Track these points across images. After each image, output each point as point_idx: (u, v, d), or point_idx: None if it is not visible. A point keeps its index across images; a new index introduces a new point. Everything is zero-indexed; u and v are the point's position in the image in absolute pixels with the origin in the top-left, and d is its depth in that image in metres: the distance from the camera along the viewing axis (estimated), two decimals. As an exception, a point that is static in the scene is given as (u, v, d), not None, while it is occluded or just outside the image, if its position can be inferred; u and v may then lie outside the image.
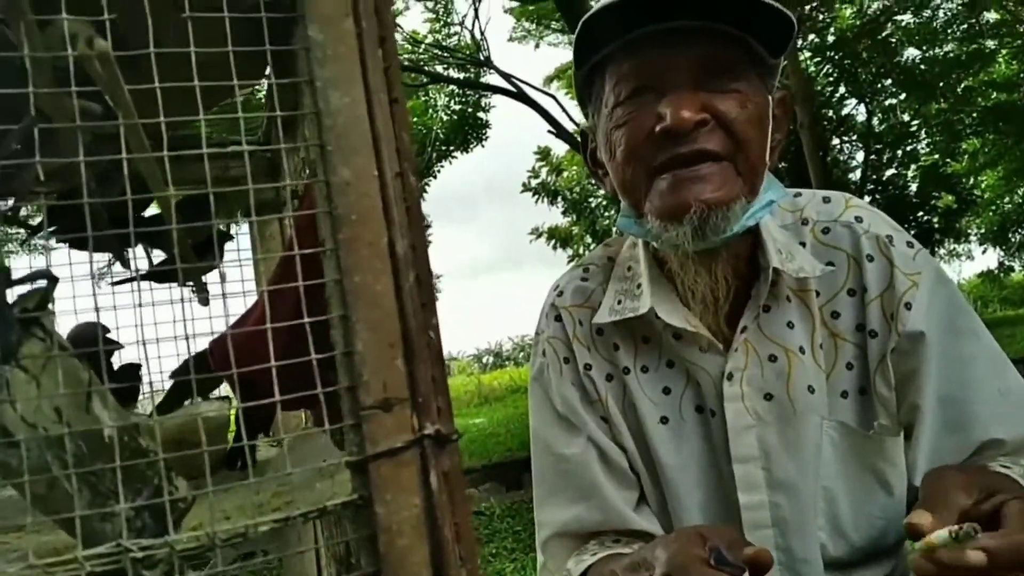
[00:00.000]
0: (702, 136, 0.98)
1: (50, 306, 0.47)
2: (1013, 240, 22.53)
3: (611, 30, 1.01)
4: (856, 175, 17.69)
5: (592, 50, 1.06)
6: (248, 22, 0.51)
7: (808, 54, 15.23)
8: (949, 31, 14.39)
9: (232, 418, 1.05)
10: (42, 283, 0.47)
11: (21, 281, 0.46)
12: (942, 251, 20.98)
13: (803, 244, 1.11)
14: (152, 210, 1.00)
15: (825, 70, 15.65)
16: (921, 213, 18.47)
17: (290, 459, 0.99)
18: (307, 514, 0.46)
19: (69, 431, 0.44)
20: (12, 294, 0.47)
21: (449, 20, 15.22)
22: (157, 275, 1.08)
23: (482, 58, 14.16)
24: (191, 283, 1.03)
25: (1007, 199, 20.37)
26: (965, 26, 14.18)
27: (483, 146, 17.51)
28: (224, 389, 1.21)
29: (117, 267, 1.14)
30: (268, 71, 0.58)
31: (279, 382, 0.53)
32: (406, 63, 14.52)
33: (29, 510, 0.41)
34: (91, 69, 0.48)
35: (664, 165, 1.00)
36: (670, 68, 1.00)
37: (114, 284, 1.05)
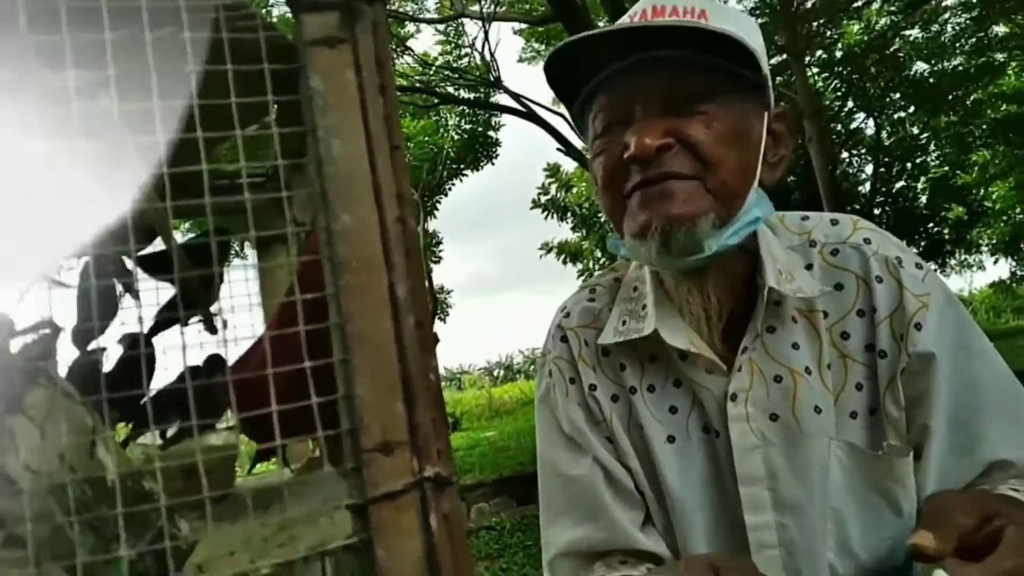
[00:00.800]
0: (668, 160, 1.00)
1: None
2: (1025, 250, 22.40)
3: (585, 68, 1.06)
4: (866, 188, 17.67)
5: (573, 88, 1.10)
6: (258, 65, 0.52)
7: (816, 69, 15.25)
8: (958, 45, 14.38)
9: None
10: (46, 331, 0.48)
11: (25, 331, 0.47)
12: (953, 262, 20.85)
13: (810, 266, 1.11)
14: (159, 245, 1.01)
15: (833, 85, 15.68)
16: (932, 224, 18.41)
17: (299, 487, 0.99)
18: (308, 558, 0.46)
19: (73, 477, 0.45)
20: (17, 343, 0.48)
21: (460, 42, 15.40)
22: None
23: (492, 79, 14.29)
24: (199, 315, 1.04)
25: (1019, 209, 20.26)
26: (974, 39, 14.16)
27: (493, 164, 17.65)
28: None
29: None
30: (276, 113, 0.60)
31: (288, 413, 0.53)
32: (417, 84, 14.69)
33: (30, 559, 0.42)
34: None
35: (633, 189, 1.03)
36: (637, 99, 1.03)
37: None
